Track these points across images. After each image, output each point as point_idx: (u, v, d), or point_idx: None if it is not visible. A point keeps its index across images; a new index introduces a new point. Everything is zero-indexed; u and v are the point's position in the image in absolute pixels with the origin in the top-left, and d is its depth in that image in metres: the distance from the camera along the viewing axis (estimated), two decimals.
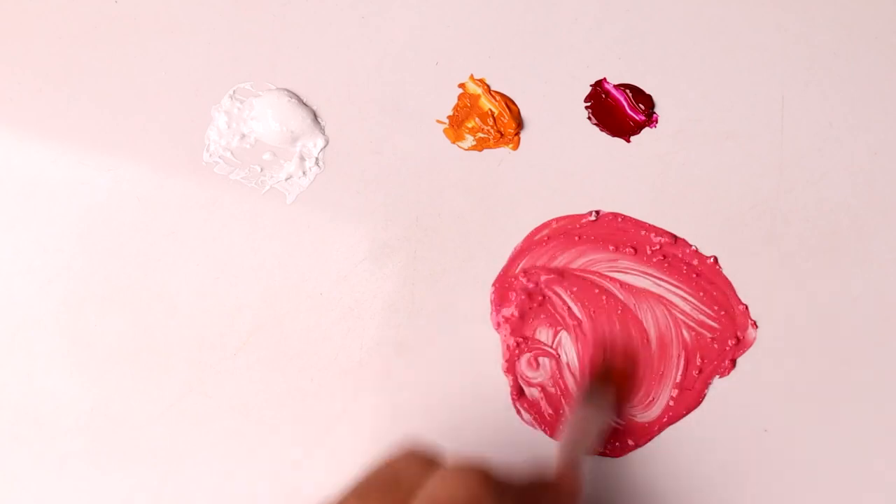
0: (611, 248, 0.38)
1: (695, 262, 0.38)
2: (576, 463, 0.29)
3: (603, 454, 0.36)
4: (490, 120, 0.39)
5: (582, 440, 0.31)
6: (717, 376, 0.37)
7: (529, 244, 0.38)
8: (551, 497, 0.26)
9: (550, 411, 0.36)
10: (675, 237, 0.38)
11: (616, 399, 0.35)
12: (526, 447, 0.36)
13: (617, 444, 0.36)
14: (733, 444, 0.36)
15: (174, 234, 0.38)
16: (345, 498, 0.22)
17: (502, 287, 0.37)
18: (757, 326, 0.37)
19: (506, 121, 0.39)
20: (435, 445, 0.24)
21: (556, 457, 0.30)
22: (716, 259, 0.38)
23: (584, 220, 0.38)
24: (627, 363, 0.36)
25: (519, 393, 0.36)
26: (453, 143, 0.40)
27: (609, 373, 0.36)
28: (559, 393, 0.37)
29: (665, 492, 0.36)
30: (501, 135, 0.39)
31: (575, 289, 0.37)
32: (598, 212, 0.38)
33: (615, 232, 0.38)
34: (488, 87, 0.40)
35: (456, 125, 0.40)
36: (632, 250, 0.38)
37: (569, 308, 0.37)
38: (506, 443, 0.36)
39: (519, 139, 0.40)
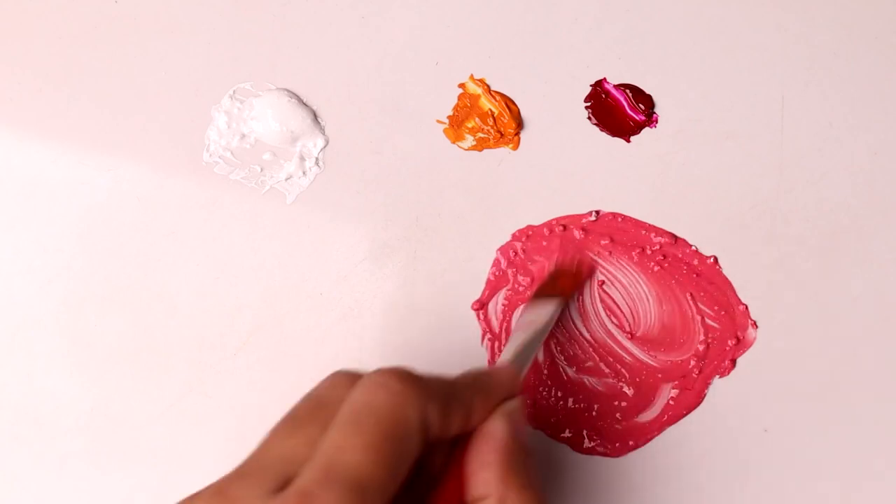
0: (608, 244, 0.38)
1: (695, 261, 0.38)
2: (519, 360, 0.29)
3: (603, 454, 0.36)
4: (490, 120, 0.39)
5: (525, 340, 0.31)
6: (717, 376, 0.37)
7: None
8: (488, 389, 0.25)
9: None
10: (674, 237, 0.38)
11: (560, 299, 0.35)
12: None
13: (617, 444, 0.36)
14: (733, 444, 0.36)
15: (174, 234, 0.38)
16: (277, 424, 0.22)
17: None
18: (757, 326, 0.37)
19: (506, 121, 0.39)
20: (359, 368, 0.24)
21: (504, 354, 0.30)
22: (716, 259, 0.38)
23: (584, 220, 0.38)
24: (577, 267, 0.37)
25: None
26: (453, 143, 0.40)
27: (558, 274, 0.37)
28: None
29: (665, 492, 0.36)
30: (501, 135, 0.39)
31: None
32: (597, 212, 0.38)
33: (615, 232, 0.38)
34: (488, 87, 0.40)
35: (456, 125, 0.40)
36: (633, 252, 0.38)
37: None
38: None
39: (519, 139, 0.40)
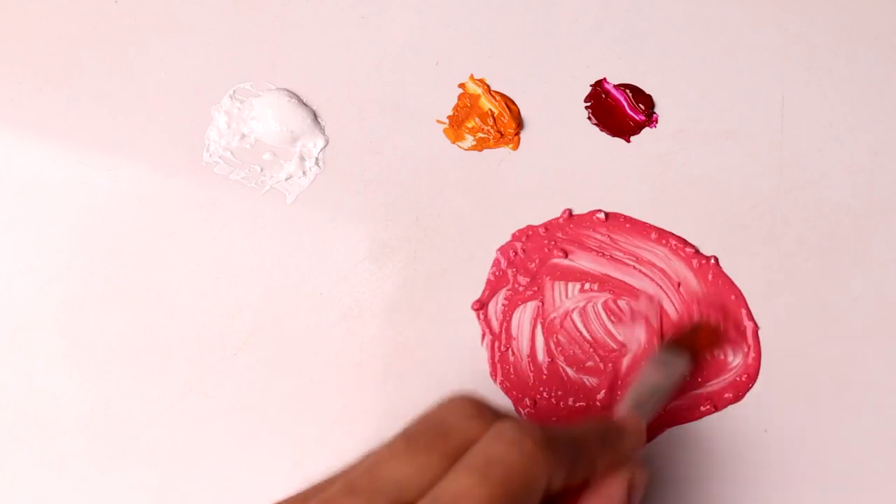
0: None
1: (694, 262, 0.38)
2: (640, 414, 0.29)
3: None
4: (490, 120, 0.39)
5: (651, 394, 0.30)
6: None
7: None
8: (612, 443, 0.25)
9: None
10: (680, 238, 0.38)
11: (694, 356, 0.34)
12: None
13: None
14: (733, 444, 0.36)
15: (174, 234, 0.38)
16: (393, 442, 0.22)
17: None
18: (758, 326, 0.37)
19: (506, 121, 0.39)
20: (486, 399, 0.24)
21: (620, 408, 0.29)
22: (716, 259, 0.38)
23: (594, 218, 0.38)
24: (717, 326, 0.36)
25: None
26: (453, 143, 0.40)
27: (696, 332, 0.35)
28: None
29: (665, 492, 0.36)
30: (501, 135, 0.39)
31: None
32: (606, 213, 0.38)
33: (623, 232, 0.38)
34: (488, 87, 0.40)
35: (456, 125, 0.40)
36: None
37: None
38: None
39: (519, 139, 0.40)
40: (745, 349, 0.37)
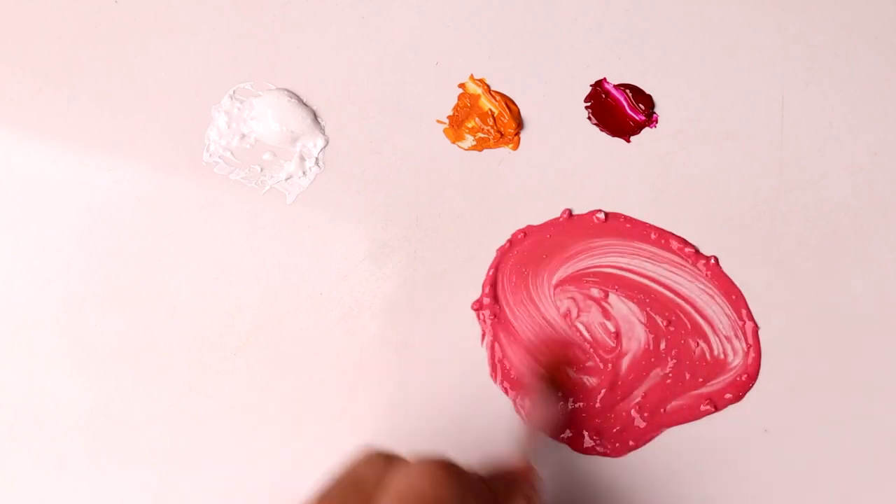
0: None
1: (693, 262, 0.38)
2: (530, 453, 0.31)
3: (603, 454, 0.36)
4: (490, 120, 0.39)
5: (533, 432, 0.33)
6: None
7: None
8: (513, 489, 0.26)
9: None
10: (693, 248, 0.38)
11: (556, 390, 0.36)
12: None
13: (617, 444, 0.36)
14: (733, 444, 0.36)
15: (174, 234, 0.38)
16: (311, 501, 0.22)
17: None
18: (758, 326, 0.37)
19: (506, 121, 0.39)
20: (392, 448, 0.25)
21: (516, 457, 0.31)
22: (716, 259, 0.38)
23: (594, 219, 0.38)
24: (561, 358, 0.37)
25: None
26: (453, 143, 0.40)
27: (550, 367, 0.37)
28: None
29: (665, 492, 0.36)
30: (501, 135, 0.39)
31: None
32: (606, 213, 0.38)
33: (622, 232, 0.38)
34: (488, 87, 0.40)
35: (456, 125, 0.40)
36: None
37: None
38: (506, 442, 0.36)
39: (519, 139, 0.40)
40: (745, 349, 0.37)
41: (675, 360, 0.37)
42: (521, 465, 0.30)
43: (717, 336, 0.37)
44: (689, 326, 0.37)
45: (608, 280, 0.38)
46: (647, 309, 0.37)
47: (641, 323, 0.37)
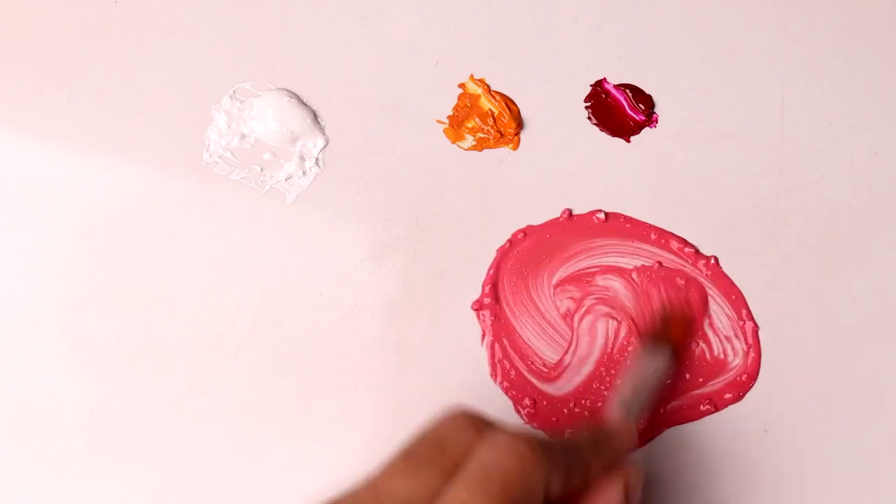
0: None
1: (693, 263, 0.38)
2: (628, 415, 0.29)
3: None
4: (490, 120, 0.39)
5: (636, 394, 0.31)
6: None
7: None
8: (603, 448, 0.25)
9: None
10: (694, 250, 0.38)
11: (673, 351, 0.35)
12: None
13: None
14: (733, 444, 0.36)
15: (174, 234, 0.38)
16: (393, 460, 0.22)
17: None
18: (758, 326, 0.37)
19: (506, 121, 0.39)
20: (481, 411, 0.24)
21: (609, 411, 0.30)
22: (716, 259, 0.38)
23: (593, 219, 0.38)
24: (685, 316, 0.36)
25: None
26: (453, 143, 0.40)
27: (667, 326, 0.35)
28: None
29: (665, 492, 0.36)
30: (501, 135, 0.39)
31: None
32: (606, 213, 0.38)
33: (622, 232, 0.38)
34: (488, 87, 0.40)
35: (456, 125, 0.40)
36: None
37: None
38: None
39: (519, 139, 0.40)
40: (745, 349, 0.37)
41: None
42: (621, 429, 0.27)
43: (717, 336, 0.37)
44: None
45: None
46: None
47: None
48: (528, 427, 0.22)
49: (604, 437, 0.26)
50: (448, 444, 0.22)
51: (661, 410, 0.36)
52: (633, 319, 0.36)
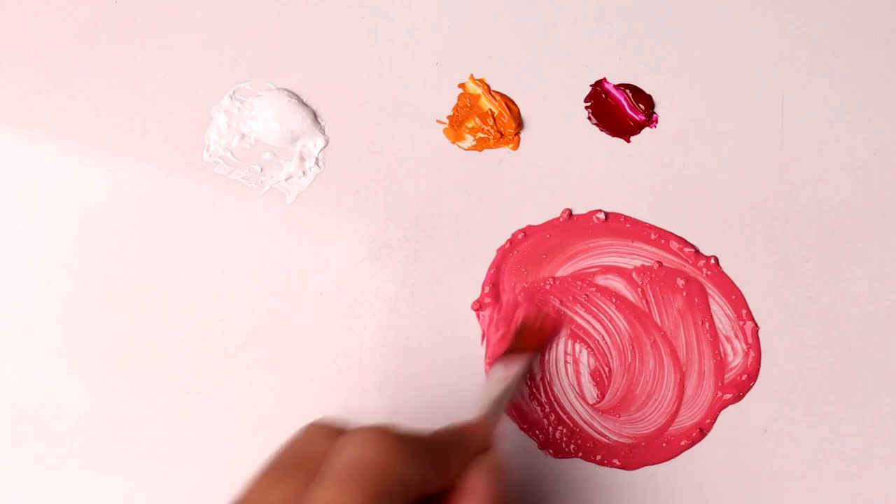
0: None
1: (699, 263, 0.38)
2: (491, 415, 0.30)
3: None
4: (490, 120, 0.39)
5: (500, 399, 0.31)
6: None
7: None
8: (463, 445, 0.25)
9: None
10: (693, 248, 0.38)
11: (529, 355, 0.35)
12: (526, 445, 0.36)
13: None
14: (733, 444, 0.36)
15: (174, 234, 0.38)
16: (254, 480, 0.22)
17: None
18: (758, 326, 0.37)
19: (506, 121, 0.39)
20: (338, 418, 0.24)
21: (475, 413, 0.30)
22: (716, 259, 0.38)
23: (593, 220, 0.38)
24: (538, 327, 0.37)
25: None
26: (453, 143, 0.40)
27: (522, 336, 0.36)
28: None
29: (665, 492, 0.36)
30: (501, 135, 0.39)
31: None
32: (606, 213, 0.38)
33: (622, 232, 0.38)
34: (488, 87, 0.40)
35: (456, 125, 0.40)
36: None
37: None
38: (506, 441, 0.36)
39: (519, 139, 0.40)
40: (745, 349, 0.37)
41: None
42: (477, 425, 0.28)
43: (718, 336, 0.37)
44: None
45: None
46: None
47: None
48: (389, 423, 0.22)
49: (459, 433, 0.26)
50: (304, 454, 0.22)
51: (664, 444, 0.36)
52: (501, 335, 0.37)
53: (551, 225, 0.38)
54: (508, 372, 0.33)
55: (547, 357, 0.37)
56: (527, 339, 0.36)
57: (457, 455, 0.25)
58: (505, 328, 0.37)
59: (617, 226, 0.38)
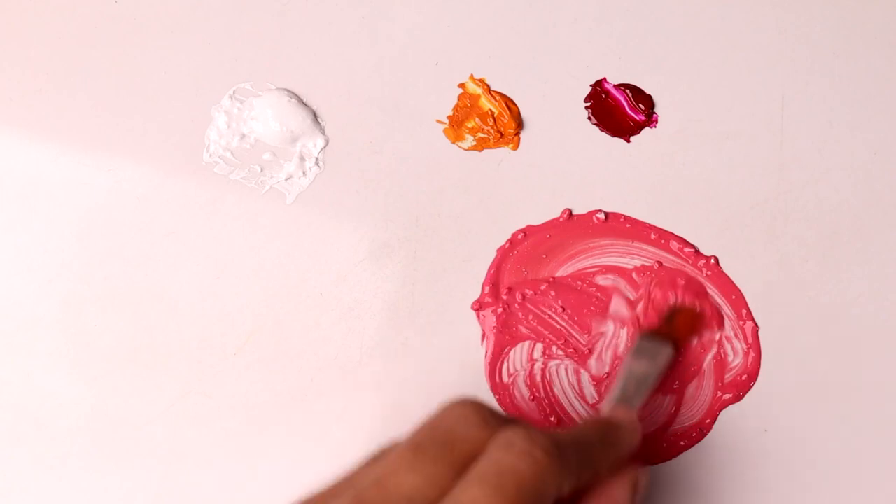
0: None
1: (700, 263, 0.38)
2: (631, 409, 0.29)
3: None
4: (490, 120, 0.39)
5: (638, 387, 0.30)
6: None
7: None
8: (612, 444, 0.25)
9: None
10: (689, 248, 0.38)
11: (675, 346, 0.34)
12: None
13: None
14: (734, 445, 0.36)
15: (174, 234, 0.38)
16: (401, 449, 0.21)
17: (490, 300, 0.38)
18: (758, 326, 0.37)
19: (506, 121, 0.39)
20: (487, 402, 0.23)
21: (609, 406, 0.29)
22: (716, 259, 0.38)
23: (593, 220, 0.38)
24: (693, 312, 0.36)
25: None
26: (453, 143, 0.40)
27: (673, 320, 0.35)
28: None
29: (664, 492, 0.36)
30: (501, 135, 0.39)
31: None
32: (605, 213, 0.38)
33: (622, 232, 0.38)
34: (488, 87, 0.40)
35: (456, 125, 0.40)
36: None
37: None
38: None
39: (519, 139, 0.40)
40: (745, 349, 0.37)
41: None
42: (627, 422, 0.26)
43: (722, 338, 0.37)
44: None
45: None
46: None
47: None
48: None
49: (610, 431, 0.25)
50: (458, 438, 0.21)
51: (664, 444, 0.36)
52: (637, 315, 0.36)
53: (551, 225, 0.38)
54: (654, 358, 0.32)
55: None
56: (678, 325, 0.35)
57: (606, 457, 0.24)
58: (655, 304, 0.35)
59: (617, 226, 0.38)
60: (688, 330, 0.36)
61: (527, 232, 0.38)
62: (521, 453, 0.21)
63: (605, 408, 0.29)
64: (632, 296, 0.37)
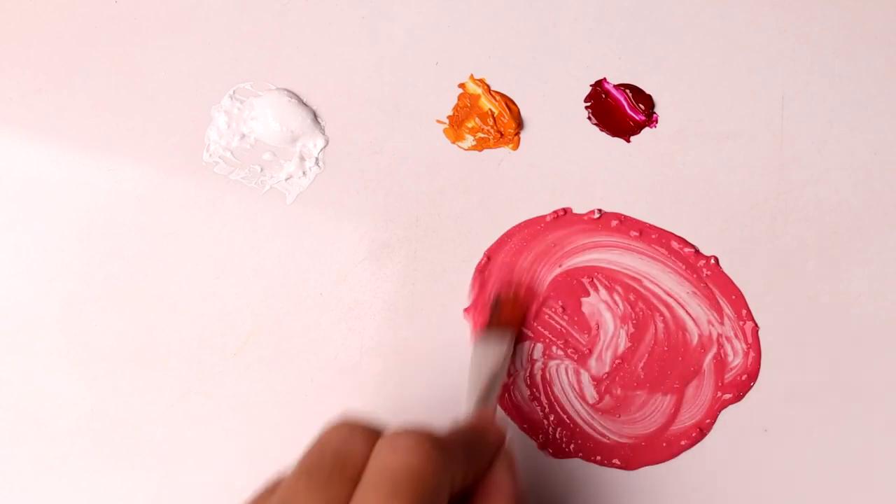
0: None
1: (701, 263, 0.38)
2: (488, 403, 0.29)
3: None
4: (490, 120, 0.39)
5: (491, 386, 0.31)
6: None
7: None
8: (483, 442, 0.25)
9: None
10: (695, 250, 0.38)
11: (511, 333, 0.35)
12: (526, 445, 0.36)
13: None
14: (733, 445, 0.36)
15: (174, 234, 0.38)
16: (293, 477, 0.21)
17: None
18: (758, 326, 0.37)
19: (506, 121, 0.39)
20: (364, 415, 0.24)
21: (471, 411, 0.30)
22: (716, 259, 0.38)
23: (586, 219, 0.38)
24: (513, 296, 0.37)
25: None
26: (453, 143, 0.40)
27: (500, 310, 0.36)
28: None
29: (664, 492, 0.36)
30: (501, 135, 0.39)
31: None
32: (600, 210, 0.38)
33: (622, 232, 0.38)
34: (488, 87, 0.40)
35: (456, 125, 0.40)
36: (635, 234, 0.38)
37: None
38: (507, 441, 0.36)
39: (519, 139, 0.40)
40: (745, 349, 0.37)
41: None
42: (489, 421, 0.28)
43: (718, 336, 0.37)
44: None
45: (607, 280, 0.38)
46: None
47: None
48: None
49: (478, 431, 0.26)
50: (347, 455, 0.22)
51: (664, 444, 0.36)
52: (472, 317, 0.37)
53: (549, 224, 0.38)
54: (494, 354, 0.32)
55: (515, 350, 0.36)
56: (504, 313, 0.36)
57: (481, 453, 0.25)
58: (482, 308, 0.37)
59: (616, 225, 0.38)
60: (515, 314, 0.36)
61: (489, 255, 0.38)
62: (408, 450, 0.21)
63: (467, 414, 0.30)
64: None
